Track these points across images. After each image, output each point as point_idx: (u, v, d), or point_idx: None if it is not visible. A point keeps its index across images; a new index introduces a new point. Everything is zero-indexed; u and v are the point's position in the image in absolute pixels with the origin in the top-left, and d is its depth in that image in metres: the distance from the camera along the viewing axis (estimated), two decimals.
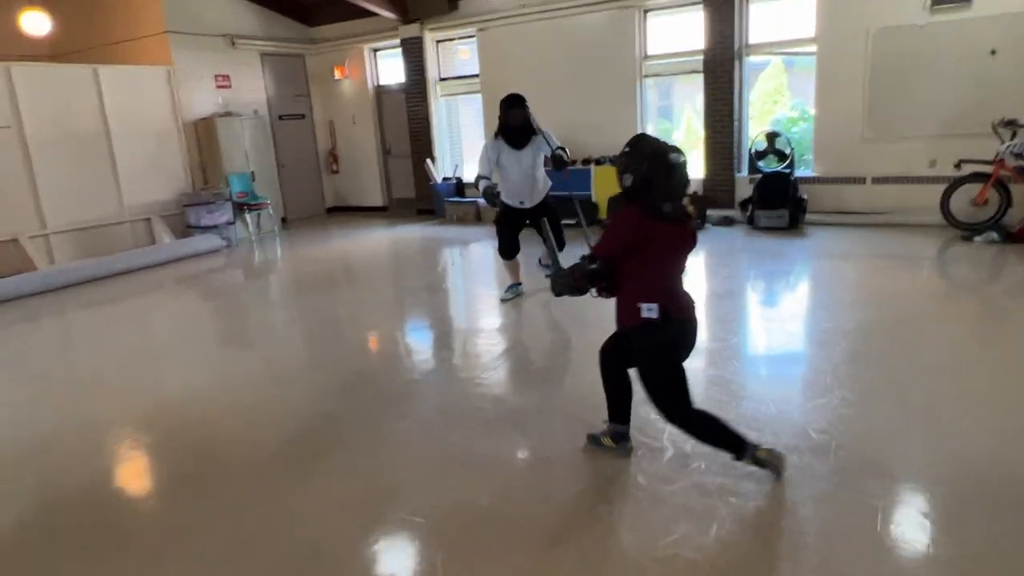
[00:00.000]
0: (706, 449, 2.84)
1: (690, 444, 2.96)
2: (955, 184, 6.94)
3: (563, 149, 5.26)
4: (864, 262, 6.34)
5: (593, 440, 3.11)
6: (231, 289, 7.78)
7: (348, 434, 3.47)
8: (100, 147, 8.64)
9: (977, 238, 6.55)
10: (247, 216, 9.81)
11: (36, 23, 8.17)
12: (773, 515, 2.55)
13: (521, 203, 5.44)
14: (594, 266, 2.72)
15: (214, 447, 3.47)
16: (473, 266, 8.00)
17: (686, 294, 2.75)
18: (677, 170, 2.61)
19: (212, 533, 2.69)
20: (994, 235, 6.47)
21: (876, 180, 7.85)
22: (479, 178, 5.34)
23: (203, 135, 9.79)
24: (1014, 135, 6.52)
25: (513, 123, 5.24)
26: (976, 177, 6.81)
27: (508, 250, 5.68)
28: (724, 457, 2.77)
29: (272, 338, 5.60)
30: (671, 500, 2.66)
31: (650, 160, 2.59)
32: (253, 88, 10.60)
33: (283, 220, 10.92)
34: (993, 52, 6.99)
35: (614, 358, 2.93)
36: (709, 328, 4.78)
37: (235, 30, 10.20)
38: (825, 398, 3.49)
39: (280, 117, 11.11)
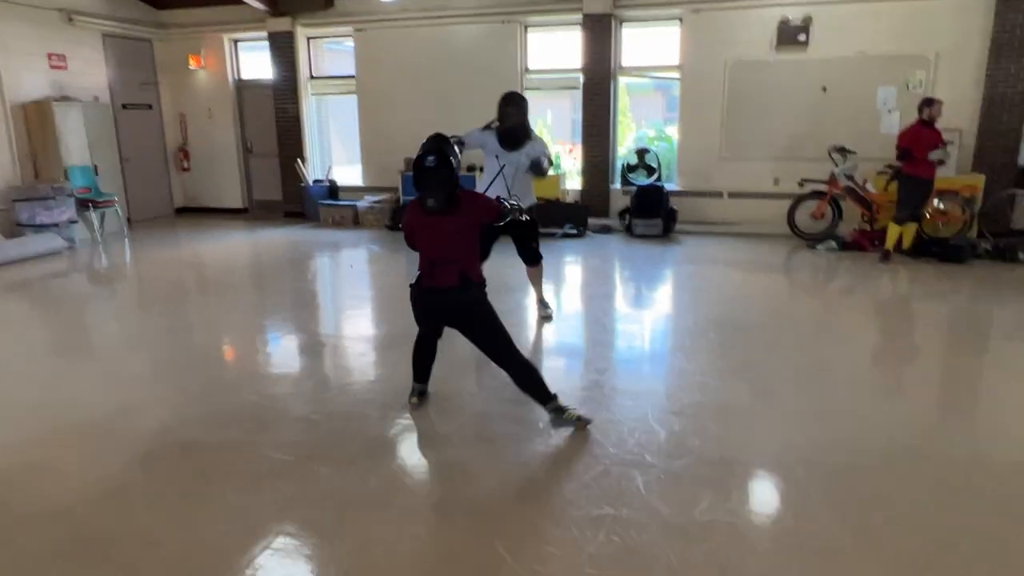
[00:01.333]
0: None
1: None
2: (799, 200, 8.06)
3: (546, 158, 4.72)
4: (727, 266, 7.12)
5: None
6: (77, 297, 6.79)
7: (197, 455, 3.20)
8: None
9: (819, 246, 7.66)
10: (91, 214, 8.71)
11: None
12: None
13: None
14: None
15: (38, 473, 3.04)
16: (357, 268, 7.80)
17: (451, 272, 3.24)
18: (426, 172, 3.16)
19: None
20: (833, 243, 7.61)
21: (731, 194, 8.86)
22: (455, 137, 4.35)
23: (35, 121, 8.55)
24: (845, 159, 7.71)
25: (508, 123, 4.70)
26: (815, 195, 7.95)
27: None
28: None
29: (120, 353, 4.87)
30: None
31: (414, 163, 3.24)
32: (93, 72, 9.46)
33: (128, 220, 9.82)
34: (824, 89, 8.24)
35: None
36: (590, 324, 5.16)
37: (72, 5, 9.04)
38: (686, 379, 3.95)
39: (124, 106, 10.00)
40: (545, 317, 5.17)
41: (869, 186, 7.77)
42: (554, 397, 3.31)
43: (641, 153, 9.12)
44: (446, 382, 3.85)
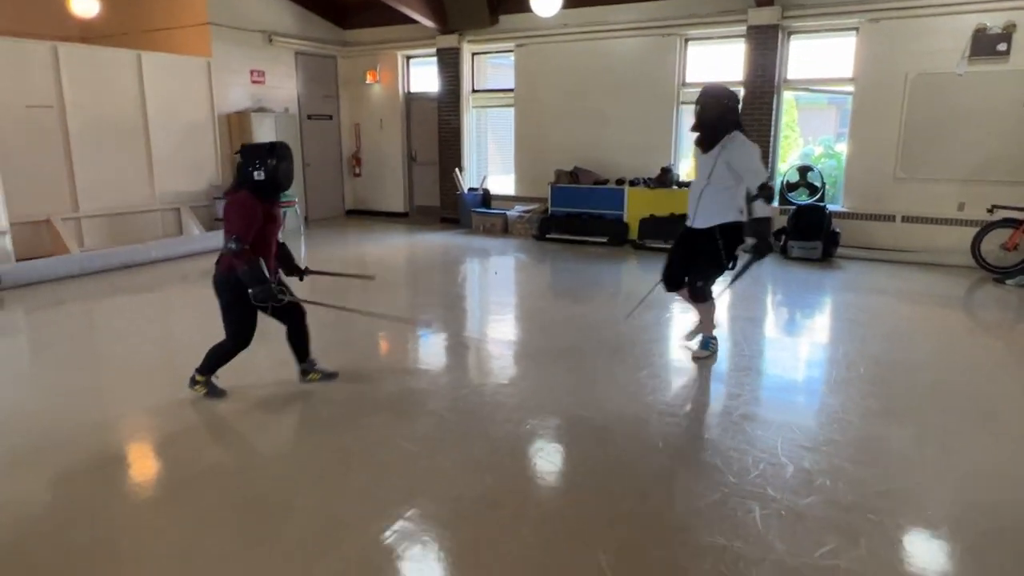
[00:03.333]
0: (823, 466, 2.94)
1: (807, 461, 3.06)
2: (986, 228, 7.21)
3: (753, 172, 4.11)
4: (894, 297, 6.52)
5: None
6: None
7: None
8: (137, 133, 8.58)
9: (1009, 281, 6.80)
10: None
11: (86, 5, 8.09)
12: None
13: (687, 218, 4.44)
14: None
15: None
16: (502, 275, 8.04)
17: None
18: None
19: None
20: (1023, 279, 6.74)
21: (905, 219, 8.10)
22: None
23: (236, 129, 9.74)
24: None
25: (698, 117, 4.25)
26: (1007, 223, 7.08)
27: (667, 278, 4.61)
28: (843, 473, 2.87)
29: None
30: None
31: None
32: (286, 86, 10.60)
33: (305, 219, 10.88)
34: None
35: None
36: (729, 347, 4.91)
37: (273, 27, 10.22)
38: (826, 415, 3.61)
39: (309, 116, 11.11)
40: (700, 357, 4.62)
41: None
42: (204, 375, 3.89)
43: (803, 171, 8.61)
44: (584, 407, 3.90)
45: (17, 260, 7.02)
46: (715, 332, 4.73)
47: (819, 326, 5.91)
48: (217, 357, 3.85)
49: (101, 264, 7.33)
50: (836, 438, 3.43)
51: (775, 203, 8.72)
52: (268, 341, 4.23)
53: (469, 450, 3.33)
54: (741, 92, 8.60)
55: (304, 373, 4.15)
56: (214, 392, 3.93)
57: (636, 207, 9.06)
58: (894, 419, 3.69)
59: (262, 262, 3.64)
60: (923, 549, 2.56)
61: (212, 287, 3.74)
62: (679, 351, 4.85)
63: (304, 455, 3.36)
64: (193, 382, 3.93)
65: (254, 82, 10.08)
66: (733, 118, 4.25)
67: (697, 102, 4.30)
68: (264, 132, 9.82)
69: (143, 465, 3.33)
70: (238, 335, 3.78)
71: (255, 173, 3.55)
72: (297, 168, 10.62)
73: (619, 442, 3.42)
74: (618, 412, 3.75)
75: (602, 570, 2.38)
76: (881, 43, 7.93)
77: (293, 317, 3.99)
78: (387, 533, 2.61)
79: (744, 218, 4.22)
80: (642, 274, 7.70)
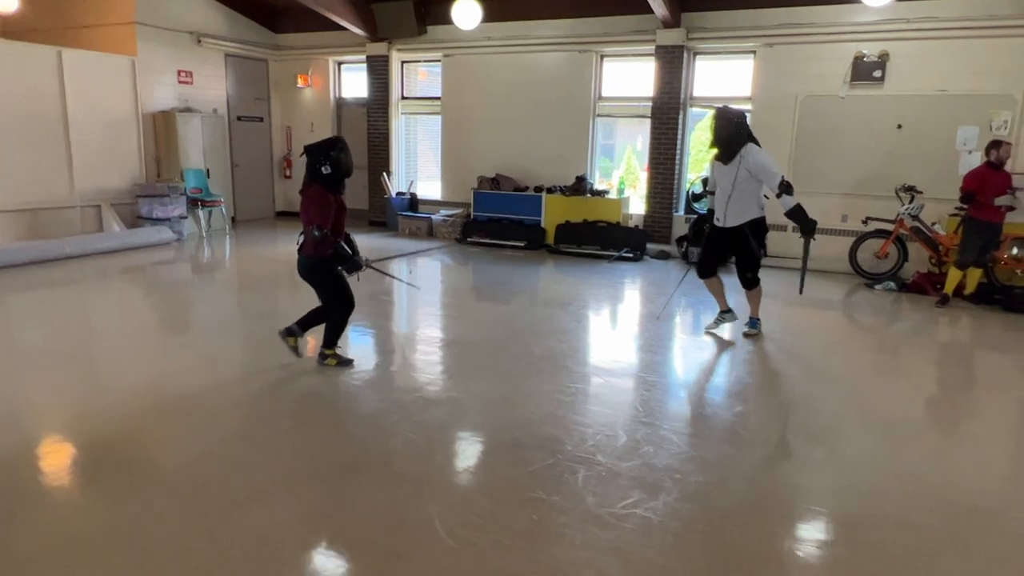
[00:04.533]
0: (653, 438, 3.36)
1: (640, 433, 3.49)
2: (862, 238, 7.89)
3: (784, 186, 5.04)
4: (781, 302, 7.11)
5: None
6: (178, 282, 7.81)
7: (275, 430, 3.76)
8: (56, 130, 8.58)
9: (878, 286, 7.47)
10: (199, 212, 9.85)
11: (5, 1, 8.10)
12: (708, 488, 3.07)
13: (717, 220, 5.31)
14: None
15: (140, 439, 3.46)
16: (422, 275, 8.36)
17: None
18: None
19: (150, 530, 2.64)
20: (892, 284, 7.40)
21: (796, 229, 8.72)
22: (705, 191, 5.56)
23: (161, 128, 9.81)
24: (912, 199, 7.50)
25: (715, 135, 5.10)
26: (879, 233, 7.76)
27: (701, 268, 5.55)
28: (670, 444, 3.30)
29: (215, 335, 5.55)
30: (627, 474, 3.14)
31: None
32: (214, 87, 10.70)
33: (232, 219, 10.97)
34: (899, 127, 8.04)
35: None
36: (644, 343, 5.37)
37: (202, 28, 10.33)
38: (744, 406, 4.08)
39: (238, 118, 11.22)
40: (748, 334, 5.51)
41: (938, 228, 7.51)
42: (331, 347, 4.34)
43: (706, 182, 9.17)
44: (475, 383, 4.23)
45: None
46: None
47: (696, 323, 6.40)
48: (334, 328, 4.31)
49: (7, 259, 7.33)
50: (677, 414, 3.86)
51: (681, 212, 9.34)
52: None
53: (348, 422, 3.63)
54: (650, 107, 9.18)
55: (322, 356, 4.46)
56: (344, 362, 4.40)
57: (553, 213, 9.51)
58: (748, 403, 4.14)
59: (356, 248, 4.26)
60: (710, 502, 2.98)
61: (299, 273, 4.24)
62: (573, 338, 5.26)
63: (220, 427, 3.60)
64: (323, 357, 4.38)
65: (181, 82, 10.16)
66: (745, 132, 5.14)
67: (712, 123, 5.16)
68: (191, 132, 9.92)
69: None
70: (341, 300, 4.25)
71: (322, 168, 4.00)
72: (225, 169, 10.80)
73: (475, 418, 3.78)
74: (487, 393, 4.11)
75: (432, 518, 2.72)
76: (774, 66, 8.58)
77: (345, 307, 4.38)
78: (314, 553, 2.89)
79: (764, 213, 5.28)
80: (558, 276, 8.13)
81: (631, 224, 9.39)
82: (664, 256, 9.00)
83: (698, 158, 10.77)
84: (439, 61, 10.60)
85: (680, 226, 9.19)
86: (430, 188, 11.25)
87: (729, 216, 5.26)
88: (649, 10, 8.43)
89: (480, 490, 3.01)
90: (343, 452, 3.33)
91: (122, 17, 9.38)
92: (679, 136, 9.17)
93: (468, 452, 3.47)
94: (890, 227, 7.66)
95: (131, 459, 3.21)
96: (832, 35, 8.18)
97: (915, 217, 7.44)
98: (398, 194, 11.03)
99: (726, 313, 5.66)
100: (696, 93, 9.25)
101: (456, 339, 5.41)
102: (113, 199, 9.24)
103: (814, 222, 5.20)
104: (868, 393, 4.49)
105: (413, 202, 10.97)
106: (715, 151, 5.25)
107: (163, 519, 2.69)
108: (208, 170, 10.23)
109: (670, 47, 8.86)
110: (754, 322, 5.60)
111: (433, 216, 10.42)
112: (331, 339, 4.38)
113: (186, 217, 9.51)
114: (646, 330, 5.76)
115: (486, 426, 3.71)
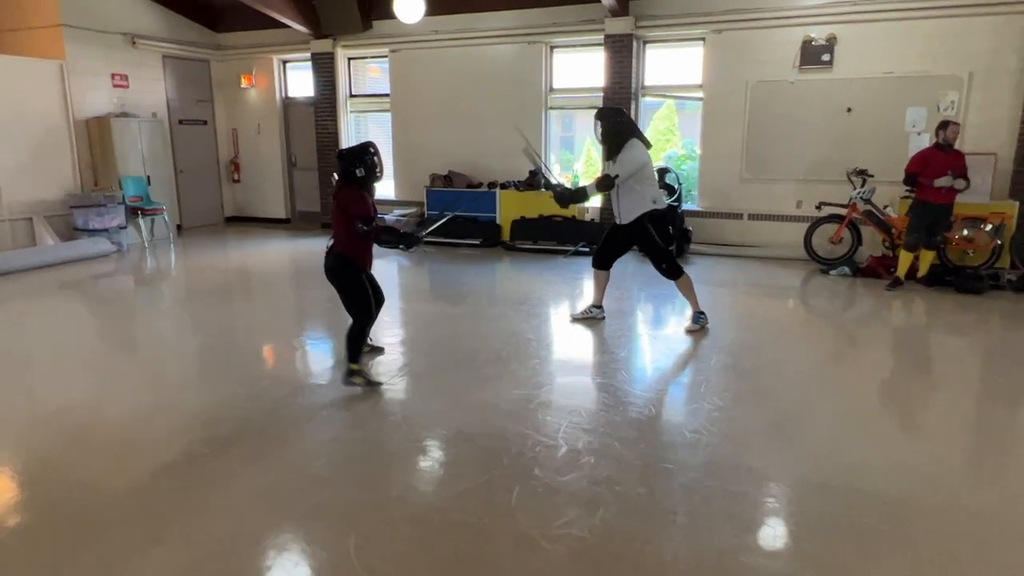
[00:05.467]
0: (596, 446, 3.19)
1: (581, 442, 3.32)
2: (816, 224, 7.85)
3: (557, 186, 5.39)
4: (738, 289, 7.03)
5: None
6: (118, 296, 7.45)
7: (236, 445, 3.52)
8: None
9: (832, 272, 7.42)
10: (140, 221, 9.45)
11: None
12: (650, 499, 2.91)
13: (616, 216, 5.36)
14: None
15: (90, 462, 3.32)
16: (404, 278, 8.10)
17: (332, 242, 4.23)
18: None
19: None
20: (846, 269, 7.36)
21: (752, 216, 8.69)
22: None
23: (96, 135, 9.38)
24: (864, 183, 7.46)
25: (597, 135, 5.24)
26: (833, 218, 7.72)
27: (596, 258, 5.60)
28: (613, 452, 3.13)
29: (158, 348, 5.40)
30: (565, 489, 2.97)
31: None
32: (153, 90, 10.28)
33: (178, 227, 10.58)
34: (849, 110, 8.00)
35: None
36: (599, 343, 5.21)
37: (136, 29, 9.89)
38: (698, 404, 3.94)
39: (180, 121, 10.81)
40: (691, 330, 5.41)
41: (890, 211, 7.48)
42: (357, 362, 4.14)
43: (661, 173, 9.06)
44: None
45: None
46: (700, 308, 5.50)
47: (654, 318, 6.27)
48: (355, 340, 4.15)
49: None
50: (617, 420, 3.70)
51: None
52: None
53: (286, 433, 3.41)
54: (601, 97, 9.02)
55: (349, 375, 4.36)
56: (372, 384, 4.18)
57: (508, 209, 9.32)
58: (699, 401, 4.00)
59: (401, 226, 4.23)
60: (650, 518, 2.82)
61: (327, 277, 4.23)
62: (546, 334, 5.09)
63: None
64: (349, 374, 4.13)
65: (116, 86, 9.72)
66: (626, 128, 5.19)
67: (595, 124, 5.23)
68: (128, 138, 9.51)
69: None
70: (361, 310, 4.19)
71: (356, 171, 4.10)
72: (169, 175, 10.39)
73: (408, 433, 3.58)
74: (426, 406, 3.91)
75: (348, 552, 2.52)
76: (724, 53, 8.48)
77: (375, 286, 4.41)
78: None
79: (661, 206, 5.28)
80: (512, 274, 7.95)
81: (587, 218, 9.23)
82: None
83: (657, 148, 10.71)
84: (386, 57, 10.31)
85: None
86: (384, 187, 10.95)
87: (623, 212, 5.28)
88: None
89: (406, 517, 2.80)
90: (262, 476, 3.10)
91: (46, 20, 8.91)
92: None
93: (396, 474, 3.25)
94: (843, 212, 7.62)
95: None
96: (780, 20, 8.09)
97: (867, 201, 7.40)
98: None
99: (597, 308, 5.71)
100: (648, 82, 9.12)
101: (399, 345, 5.19)
102: (46, 211, 8.81)
103: (570, 198, 5.39)
104: (822, 383, 4.39)
105: None
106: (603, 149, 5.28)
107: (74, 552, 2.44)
108: (148, 177, 9.82)
109: (619, 36, 8.70)
110: (697, 317, 5.46)
111: (386, 216, 10.13)
112: (354, 351, 4.15)
113: (125, 227, 9.11)
114: (598, 329, 5.60)
115: (419, 442, 3.51)
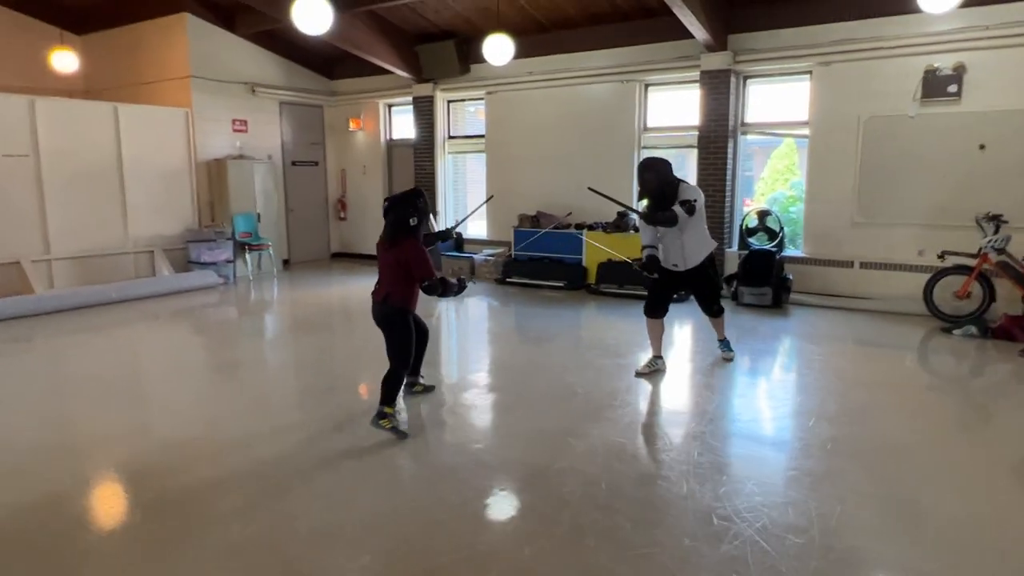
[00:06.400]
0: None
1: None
2: (938, 275, 6.88)
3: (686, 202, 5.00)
4: (839, 346, 6.25)
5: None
6: (220, 325, 7.91)
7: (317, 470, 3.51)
8: (112, 180, 9.02)
9: (956, 331, 6.43)
10: (247, 256, 10.06)
11: (65, 61, 8.68)
12: None
13: (675, 266, 5.26)
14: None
15: (186, 479, 3.53)
16: (465, 317, 8.04)
17: (380, 290, 4.20)
18: (385, 209, 4.22)
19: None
20: (973, 329, 6.35)
21: (864, 264, 7.80)
22: (643, 247, 5.31)
23: (215, 175, 10.15)
24: (997, 229, 6.46)
25: (646, 189, 5.08)
26: (960, 269, 6.74)
27: (653, 307, 5.36)
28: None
29: (254, 376, 5.67)
30: None
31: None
32: (269, 134, 11.02)
33: (285, 262, 11.17)
34: (982, 147, 7.02)
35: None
36: (691, 397, 4.76)
37: (256, 78, 10.69)
38: (803, 485, 3.40)
39: (293, 163, 11.49)
40: (727, 358, 5.61)
41: None
42: (391, 405, 4.14)
43: (762, 215, 8.42)
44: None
45: None
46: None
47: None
48: (391, 384, 4.19)
49: (55, 305, 7.66)
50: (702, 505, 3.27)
51: (735, 248, 8.58)
52: None
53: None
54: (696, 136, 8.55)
55: (410, 385, 4.75)
56: (398, 432, 4.09)
57: (595, 251, 8.99)
58: (805, 458, 3.49)
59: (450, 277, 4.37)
60: None
61: (376, 322, 4.26)
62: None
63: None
64: (380, 416, 4.11)
65: (236, 130, 10.52)
66: (672, 175, 5.08)
67: (639, 176, 5.14)
68: (243, 178, 10.20)
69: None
70: (403, 358, 4.20)
71: (410, 220, 4.10)
72: (279, 213, 11.04)
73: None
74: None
75: None
76: (833, 86, 7.78)
77: (421, 338, 4.54)
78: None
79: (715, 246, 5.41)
80: (600, 320, 7.59)
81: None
82: None
83: (770, 188, 10.02)
84: (483, 99, 10.44)
85: (733, 263, 8.41)
86: (476, 227, 11.02)
87: (688, 255, 5.21)
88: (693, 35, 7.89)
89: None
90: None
91: (179, 72, 9.84)
92: (728, 166, 8.47)
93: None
94: (972, 262, 6.63)
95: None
96: (898, 48, 7.30)
97: (1000, 250, 6.39)
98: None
99: (659, 359, 5.43)
100: (749, 119, 8.54)
101: (484, 390, 5.00)
102: (166, 244, 9.59)
103: (660, 219, 4.98)
104: (943, 459, 3.69)
105: (459, 242, 10.76)
106: (647, 203, 5.12)
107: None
108: (259, 214, 10.46)
109: (716, 72, 8.24)
110: (727, 344, 5.69)
111: (475, 256, 10.15)
112: (390, 395, 4.15)
113: (232, 261, 9.72)
114: (698, 377, 5.18)
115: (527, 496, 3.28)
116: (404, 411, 4.50)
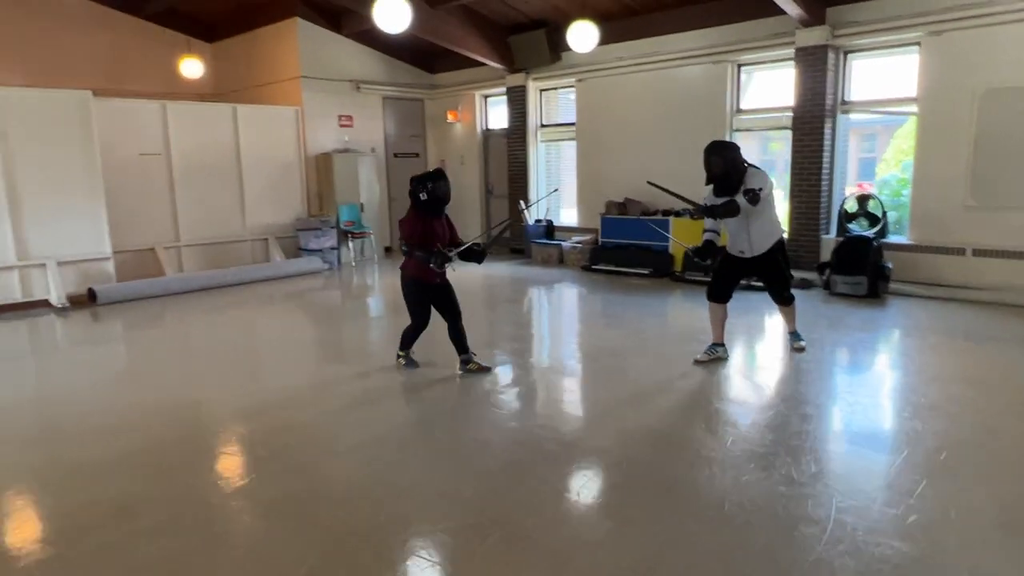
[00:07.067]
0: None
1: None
2: None
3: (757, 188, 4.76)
4: (933, 339, 5.80)
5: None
6: (320, 307, 8.56)
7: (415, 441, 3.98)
8: (232, 174, 9.94)
9: None
10: (351, 243, 10.73)
11: (192, 68, 9.67)
12: None
13: (741, 252, 5.12)
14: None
15: (293, 438, 3.98)
16: (556, 305, 8.20)
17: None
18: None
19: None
20: None
21: (978, 252, 7.15)
22: (704, 231, 5.20)
23: (323, 168, 10.89)
24: None
25: (712, 173, 4.92)
26: None
27: (718, 291, 5.23)
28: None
29: (360, 354, 6.19)
30: None
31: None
32: (373, 128, 11.65)
33: (386, 249, 11.80)
34: None
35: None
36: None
37: (360, 76, 11.32)
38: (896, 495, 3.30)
39: (395, 155, 12.08)
40: (797, 349, 5.41)
41: None
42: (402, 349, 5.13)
43: (863, 199, 7.90)
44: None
45: (118, 281, 8.44)
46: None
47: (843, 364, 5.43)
48: (406, 337, 5.11)
49: (183, 286, 8.60)
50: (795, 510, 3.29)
51: (833, 234, 8.12)
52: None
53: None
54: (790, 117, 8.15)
55: (464, 363, 5.06)
56: (410, 364, 5.15)
57: (681, 238, 8.76)
58: (895, 491, 3.42)
59: (437, 247, 4.73)
60: None
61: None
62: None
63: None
64: (399, 356, 5.17)
65: (342, 125, 11.21)
66: (741, 159, 4.93)
67: (706, 159, 4.93)
68: (347, 170, 10.87)
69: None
70: (416, 317, 4.99)
71: (420, 195, 4.69)
72: (383, 202, 11.66)
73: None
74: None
75: None
76: (945, 58, 7.15)
77: (451, 316, 4.99)
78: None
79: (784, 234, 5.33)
80: (687, 309, 7.39)
81: None
82: (806, 284, 7.83)
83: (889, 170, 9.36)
84: (573, 87, 10.46)
85: (827, 251, 7.96)
86: (568, 215, 11.10)
87: (755, 245, 5.06)
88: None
89: None
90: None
91: (290, 73, 10.63)
92: (825, 148, 8.00)
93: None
94: None
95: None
96: (1019, 12, 6.60)
97: None
98: (536, 221, 11.03)
99: (719, 347, 5.28)
100: (852, 97, 8.02)
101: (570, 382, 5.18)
102: (278, 233, 10.43)
103: (723, 211, 4.82)
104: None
105: (549, 229, 10.89)
106: (713, 187, 5.01)
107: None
108: (362, 204, 11.11)
109: (812, 48, 7.81)
110: (797, 335, 5.48)
111: (563, 243, 10.24)
112: (403, 343, 5.15)
113: (337, 248, 10.41)
114: (791, 367, 5.09)
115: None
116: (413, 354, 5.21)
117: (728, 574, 2.55)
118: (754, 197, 4.75)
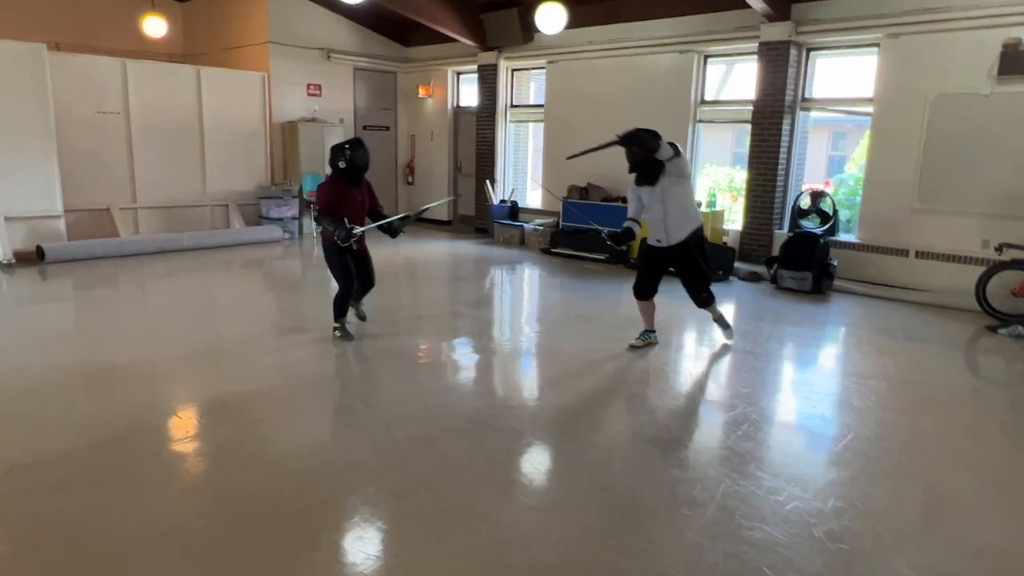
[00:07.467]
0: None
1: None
2: (995, 269, 6.35)
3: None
4: (863, 336, 5.93)
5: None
6: (276, 276, 8.53)
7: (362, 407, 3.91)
8: (194, 138, 9.81)
9: (1001, 331, 5.93)
10: (312, 213, 10.66)
11: (155, 26, 9.48)
12: None
13: (658, 241, 5.09)
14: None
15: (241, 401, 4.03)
16: (507, 286, 8.25)
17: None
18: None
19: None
20: (1020, 329, 5.84)
21: (920, 254, 7.30)
22: (626, 219, 5.14)
23: (288, 136, 10.79)
24: None
25: (631, 161, 4.95)
26: (1019, 264, 6.19)
27: (642, 289, 5.24)
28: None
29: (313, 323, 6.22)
30: None
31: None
32: (343, 98, 11.54)
33: None
34: None
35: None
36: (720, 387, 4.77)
37: (332, 45, 11.18)
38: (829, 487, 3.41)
39: (365, 127, 11.98)
40: (725, 338, 5.49)
41: None
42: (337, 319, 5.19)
43: (816, 196, 8.01)
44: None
45: (69, 240, 8.34)
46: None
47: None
48: (337, 304, 5.15)
49: (137, 248, 8.53)
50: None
51: (785, 229, 8.23)
52: None
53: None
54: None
55: (335, 329, 5.26)
56: (346, 336, 5.17)
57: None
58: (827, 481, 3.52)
59: (344, 220, 4.84)
60: None
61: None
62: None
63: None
64: (335, 329, 5.19)
65: (310, 95, 11.09)
66: (660, 141, 4.76)
67: (626, 150, 4.88)
68: (313, 140, 10.77)
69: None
70: (340, 278, 5.07)
71: (339, 163, 4.86)
72: None
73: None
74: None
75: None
76: (901, 60, 7.24)
77: (363, 285, 5.34)
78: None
79: (701, 222, 5.11)
80: (632, 300, 7.56)
81: (723, 241, 8.45)
82: (755, 278, 7.95)
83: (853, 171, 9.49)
84: (544, 68, 10.43)
85: (777, 245, 8.08)
86: (534, 197, 11.11)
87: (671, 233, 5.01)
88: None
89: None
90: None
91: (257, 38, 10.48)
92: (783, 143, 8.08)
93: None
94: None
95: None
96: (975, 20, 6.69)
97: None
98: (500, 202, 11.03)
99: (651, 333, 5.38)
100: (814, 94, 8.09)
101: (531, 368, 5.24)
102: (239, 200, 10.34)
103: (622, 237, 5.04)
104: (967, 469, 3.55)
105: (513, 210, 10.90)
106: (636, 176, 5.02)
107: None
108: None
109: (774, 43, 7.85)
110: (725, 322, 5.50)
111: (526, 225, 10.27)
112: (336, 312, 5.17)
113: (298, 218, 10.35)
114: (716, 357, 5.20)
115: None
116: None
117: (602, 550, 2.63)
118: (676, 150, 4.76)
